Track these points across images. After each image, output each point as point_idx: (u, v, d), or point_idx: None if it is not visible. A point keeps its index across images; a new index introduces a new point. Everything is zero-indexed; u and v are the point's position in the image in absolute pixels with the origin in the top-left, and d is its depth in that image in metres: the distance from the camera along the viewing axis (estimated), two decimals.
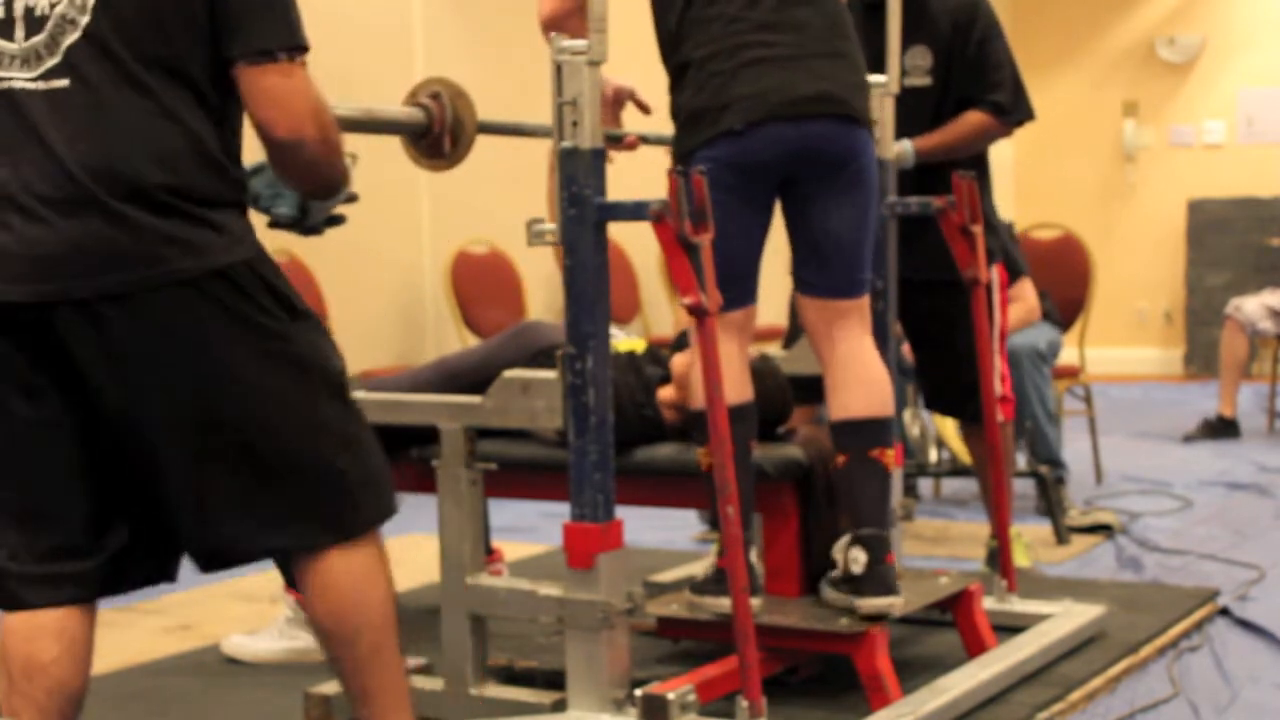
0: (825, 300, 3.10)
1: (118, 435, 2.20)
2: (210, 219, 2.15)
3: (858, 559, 2.96)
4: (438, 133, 2.87)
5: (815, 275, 3.11)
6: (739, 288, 3.03)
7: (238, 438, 2.18)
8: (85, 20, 2.11)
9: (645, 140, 3.38)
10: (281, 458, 2.20)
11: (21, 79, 2.13)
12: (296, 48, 2.17)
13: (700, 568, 3.95)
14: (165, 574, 2.35)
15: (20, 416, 2.20)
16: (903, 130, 3.69)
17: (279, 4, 2.17)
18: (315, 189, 2.32)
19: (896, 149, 3.70)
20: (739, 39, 2.98)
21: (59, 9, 2.12)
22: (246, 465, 2.19)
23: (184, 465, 2.18)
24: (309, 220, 2.46)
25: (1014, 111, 3.92)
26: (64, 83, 2.11)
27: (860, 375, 3.07)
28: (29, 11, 2.14)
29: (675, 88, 3.06)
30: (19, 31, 2.14)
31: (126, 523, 2.26)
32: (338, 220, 2.51)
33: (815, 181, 3.03)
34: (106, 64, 2.11)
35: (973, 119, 3.88)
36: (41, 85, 2.12)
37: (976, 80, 3.88)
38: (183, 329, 2.14)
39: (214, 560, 2.28)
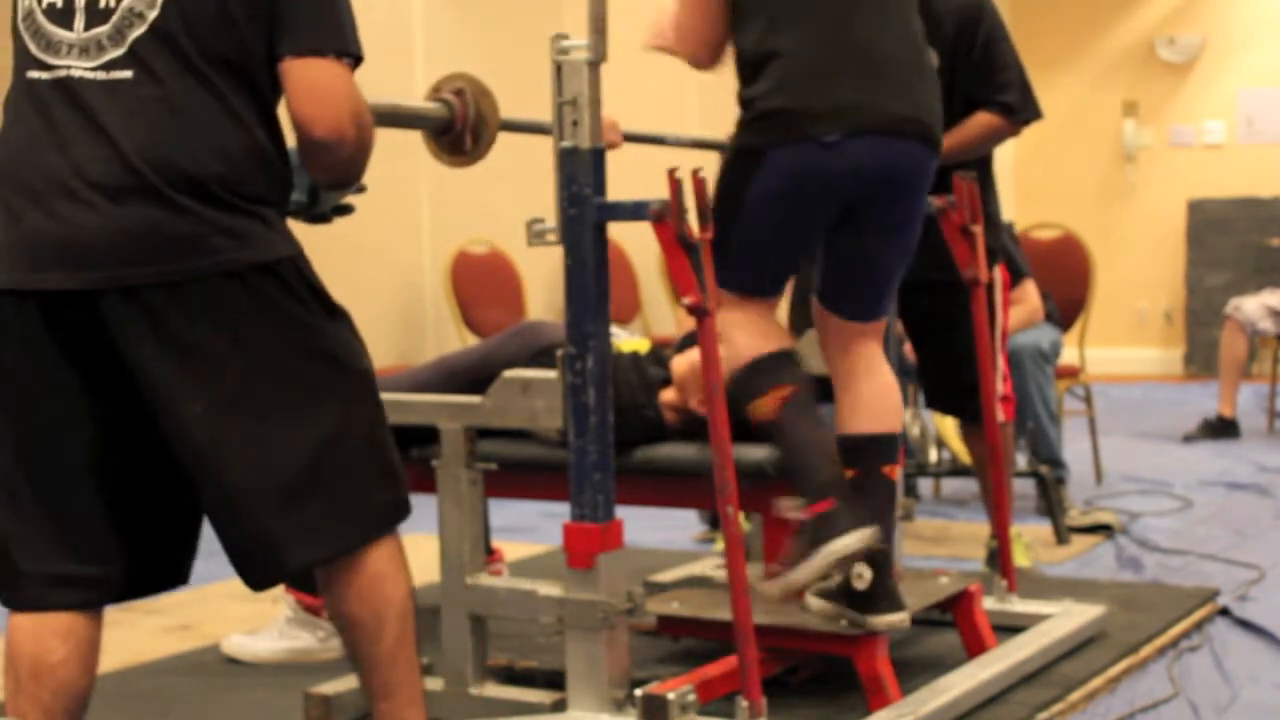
0: (850, 322, 3.07)
1: (152, 429, 2.18)
2: (260, 214, 2.17)
3: (862, 575, 2.91)
4: (459, 129, 2.84)
5: (848, 300, 3.06)
6: (777, 282, 3.05)
7: (275, 431, 2.17)
8: (153, 15, 2.13)
9: (655, 141, 3.37)
10: (316, 453, 2.20)
11: (81, 68, 2.14)
12: (347, 53, 2.18)
13: (700, 568, 3.96)
14: (181, 578, 2.35)
15: (40, 412, 2.19)
16: None
17: (338, 8, 2.18)
18: (336, 183, 2.33)
19: None
20: (834, 44, 2.89)
21: (126, 2, 2.13)
22: (284, 459, 2.18)
23: (221, 458, 2.17)
24: (318, 208, 2.46)
25: (1022, 111, 3.91)
26: (127, 74, 2.12)
27: (874, 391, 3.04)
28: (91, 2, 2.15)
29: (751, 77, 2.93)
30: (78, 21, 2.15)
31: (149, 526, 2.26)
32: (346, 209, 2.51)
33: (881, 205, 2.95)
34: (172, 59, 2.12)
35: (982, 120, 3.87)
36: (102, 75, 2.13)
37: (983, 81, 3.87)
38: (228, 320, 2.14)
39: (256, 567, 2.24)
